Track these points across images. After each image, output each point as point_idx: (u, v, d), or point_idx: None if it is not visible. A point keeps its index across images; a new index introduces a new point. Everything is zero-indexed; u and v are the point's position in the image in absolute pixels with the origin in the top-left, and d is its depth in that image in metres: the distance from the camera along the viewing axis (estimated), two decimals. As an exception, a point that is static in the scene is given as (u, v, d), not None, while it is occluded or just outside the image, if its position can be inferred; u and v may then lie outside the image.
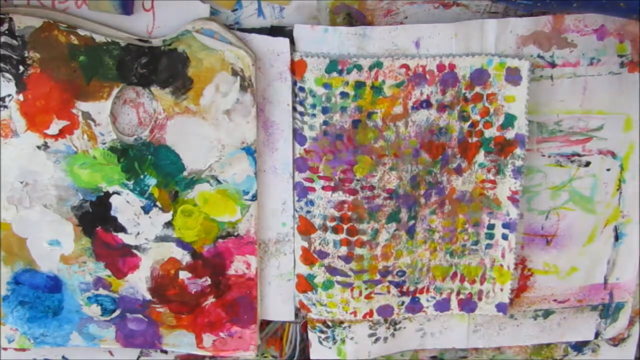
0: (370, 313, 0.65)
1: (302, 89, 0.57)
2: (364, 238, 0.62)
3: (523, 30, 0.57)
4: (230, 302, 0.63)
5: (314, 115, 0.58)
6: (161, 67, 0.56)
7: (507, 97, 0.58)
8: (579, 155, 0.62)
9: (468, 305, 0.65)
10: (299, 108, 0.58)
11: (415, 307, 0.65)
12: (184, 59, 0.56)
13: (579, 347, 0.71)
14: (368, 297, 0.64)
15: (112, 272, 0.62)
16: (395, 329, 0.67)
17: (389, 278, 0.64)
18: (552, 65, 0.58)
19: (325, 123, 0.58)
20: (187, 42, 0.56)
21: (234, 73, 0.56)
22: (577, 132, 0.61)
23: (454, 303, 0.65)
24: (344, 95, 0.57)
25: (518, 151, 0.59)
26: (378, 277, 0.63)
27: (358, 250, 0.62)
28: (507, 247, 0.63)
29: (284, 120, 0.59)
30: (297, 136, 0.59)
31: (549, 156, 0.62)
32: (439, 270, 0.64)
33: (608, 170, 0.62)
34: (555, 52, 0.58)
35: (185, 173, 0.59)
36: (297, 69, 0.57)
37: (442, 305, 0.65)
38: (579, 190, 0.63)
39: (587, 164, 0.62)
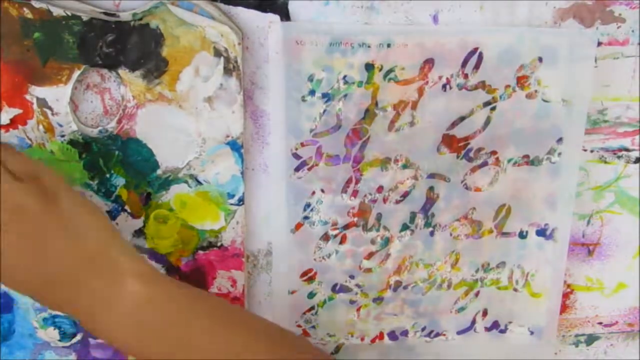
0: (381, 336, 0.65)
1: (298, 73, 0.57)
2: (373, 249, 0.62)
3: (561, 2, 0.57)
4: (213, 325, 0.63)
5: (312, 103, 0.58)
6: (130, 45, 0.56)
7: (541, 80, 0.58)
8: (627, 149, 0.62)
9: (496, 328, 0.65)
10: (295, 95, 0.58)
11: (433, 330, 0.66)
12: (158, 37, 0.56)
13: (629, 380, 0.71)
14: (377, 318, 0.65)
15: (72, 289, 0.61)
16: (409, 356, 0.67)
17: (403, 295, 0.64)
18: (596, 43, 0.58)
19: (325, 112, 0.58)
20: (161, 16, 0.55)
21: (217, 53, 0.56)
22: (624, 123, 0.61)
23: (479, 326, 0.66)
24: (348, 79, 0.57)
25: (555, 145, 0.60)
26: (390, 294, 0.64)
27: (365, 263, 0.63)
28: (542, 259, 0.62)
29: (277, 109, 0.59)
30: (292, 128, 0.59)
31: (592, 151, 0.62)
32: (461, 286, 0.64)
33: (662, 167, 0.63)
34: (600, 28, 0.58)
35: (159, 172, 0.59)
36: (292, 48, 0.57)
37: (466, 329, 0.66)
38: (626, 191, 0.63)
39: (637, 160, 0.62)
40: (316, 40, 0.57)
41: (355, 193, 0.60)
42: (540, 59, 0.58)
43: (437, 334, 0.66)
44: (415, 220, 0.62)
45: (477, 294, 0.64)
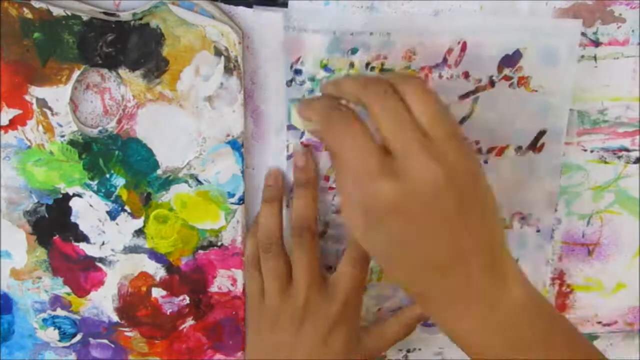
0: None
1: (298, 72, 0.57)
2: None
3: (561, 2, 0.57)
4: (213, 324, 0.63)
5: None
6: (131, 45, 0.56)
7: (542, 81, 0.58)
8: (627, 150, 0.62)
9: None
10: (295, 94, 0.58)
11: (433, 327, 0.66)
12: (158, 36, 0.56)
13: (628, 379, 0.71)
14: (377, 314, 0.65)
15: (72, 289, 0.62)
16: (408, 351, 0.68)
17: (401, 294, 0.64)
18: (596, 43, 0.58)
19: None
20: (161, 15, 0.55)
21: (217, 53, 0.56)
22: (624, 123, 0.61)
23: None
24: (347, 79, 0.57)
25: (555, 145, 0.60)
26: (390, 291, 0.64)
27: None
28: (542, 259, 0.63)
29: (277, 108, 0.59)
30: (293, 128, 0.59)
31: (592, 151, 0.62)
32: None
33: (661, 167, 0.63)
34: (600, 28, 0.58)
35: (159, 172, 0.59)
36: (292, 48, 0.57)
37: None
38: (626, 191, 0.63)
39: (637, 160, 0.62)
40: (317, 40, 0.56)
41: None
42: (541, 59, 0.58)
43: (437, 331, 0.66)
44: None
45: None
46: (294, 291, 0.58)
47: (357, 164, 0.47)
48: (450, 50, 0.57)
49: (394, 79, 0.48)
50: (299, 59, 0.57)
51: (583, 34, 0.58)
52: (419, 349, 0.67)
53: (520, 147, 0.60)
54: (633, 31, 0.58)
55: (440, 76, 0.58)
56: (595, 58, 0.59)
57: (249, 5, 0.56)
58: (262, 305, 0.59)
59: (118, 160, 0.58)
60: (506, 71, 0.58)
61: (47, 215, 0.60)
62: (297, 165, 0.59)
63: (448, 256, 0.47)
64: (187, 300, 0.62)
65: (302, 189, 0.59)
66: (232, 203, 0.60)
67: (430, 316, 0.51)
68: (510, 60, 0.58)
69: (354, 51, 0.57)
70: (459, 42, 0.57)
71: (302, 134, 0.59)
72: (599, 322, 0.67)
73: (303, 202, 0.59)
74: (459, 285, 0.48)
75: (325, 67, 0.57)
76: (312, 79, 0.57)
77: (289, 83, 0.58)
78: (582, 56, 0.58)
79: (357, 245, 0.58)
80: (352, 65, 0.57)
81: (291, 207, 0.60)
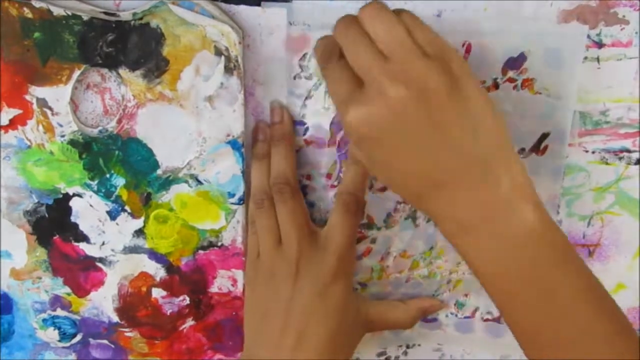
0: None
1: (303, 68, 0.57)
2: (374, 247, 0.62)
3: (566, 4, 0.57)
4: (213, 325, 0.63)
5: (317, 99, 0.58)
6: (131, 45, 0.56)
7: (546, 83, 0.58)
8: (628, 151, 0.62)
9: (495, 328, 0.66)
10: (298, 91, 0.58)
11: (432, 323, 0.66)
12: (158, 36, 0.56)
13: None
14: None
15: (72, 289, 0.62)
16: (408, 347, 0.68)
17: (402, 290, 0.64)
18: (599, 45, 0.58)
19: (330, 109, 0.58)
20: (161, 15, 0.55)
21: (218, 52, 0.56)
22: (626, 124, 0.61)
23: (478, 324, 0.66)
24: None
25: (558, 148, 0.60)
26: (389, 289, 0.64)
27: (366, 261, 0.63)
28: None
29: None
30: (295, 125, 0.59)
31: (593, 152, 0.62)
32: (461, 283, 0.64)
33: (663, 169, 0.63)
34: (603, 30, 0.58)
35: (159, 171, 0.59)
36: (296, 45, 0.57)
37: (465, 326, 0.66)
38: (627, 192, 0.63)
39: (638, 161, 0.62)
40: (321, 36, 0.56)
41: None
42: (545, 61, 0.58)
43: (436, 327, 0.66)
44: (417, 220, 0.62)
45: (478, 292, 0.65)
46: (286, 247, 0.57)
47: (334, 97, 0.50)
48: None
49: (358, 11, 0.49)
50: (305, 54, 0.57)
51: (587, 36, 0.58)
52: (419, 345, 0.68)
53: (523, 149, 0.60)
54: (636, 33, 0.58)
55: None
56: (598, 59, 0.59)
57: (257, 4, 0.56)
58: (258, 262, 0.59)
59: (118, 160, 0.58)
60: (510, 73, 0.58)
61: (47, 215, 0.60)
62: (273, 120, 0.59)
63: (434, 175, 0.48)
64: (187, 300, 0.62)
65: (278, 144, 0.59)
66: (232, 203, 0.60)
67: (440, 230, 0.51)
68: (515, 62, 0.57)
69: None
70: (463, 44, 0.57)
71: (306, 130, 0.59)
72: (599, 323, 0.67)
73: (279, 158, 0.58)
74: (456, 201, 0.48)
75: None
76: (318, 75, 0.57)
77: (295, 78, 0.58)
78: (585, 57, 0.58)
79: (348, 191, 0.58)
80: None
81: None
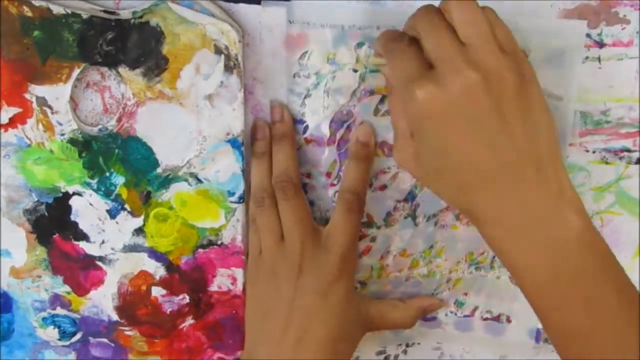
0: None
1: (302, 67, 0.57)
2: (374, 246, 0.62)
3: (566, 3, 0.57)
4: (213, 324, 0.63)
5: (317, 97, 0.58)
6: (130, 43, 0.56)
7: (547, 83, 0.57)
8: (628, 150, 0.62)
9: (494, 327, 0.66)
10: (298, 89, 0.58)
11: (432, 321, 0.66)
12: (158, 35, 0.56)
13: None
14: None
15: (72, 288, 0.62)
16: (407, 346, 0.68)
17: (402, 289, 0.64)
18: (600, 44, 0.58)
19: (329, 107, 0.58)
20: (161, 14, 0.55)
21: (217, 51, 0.56)
22: (627, 124, 0.61)
23: (477, 322, 0.66)
24: (353, 73, 0.57)
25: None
26: (389, 288, 0.64)
27: (366, 260, 0.63)
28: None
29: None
30: (295, 123, 0.59)
31: (594, 151, 0.62)
32: (461, 282, 0.64)
33: (663, 168, 0.63)
34: (604, 30, 0.58)
35: (159, 170, 0.59)
36: (296, 43, 0.57)
37: (464, 325, 0.66)
38: (627, 192, 0.63)
39: (638, 161, 0.62)
40: (322, 34, 0.56)
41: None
42: (546, 61, 0.57)
43: (435, 326, 0.66)
44: (417, 219, 0.62)
45: (477, 291, 0.65)
46: (288, 245, 0.57)
47: (400, 76, 0.50)
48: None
49: (442, 3, 0.50)
50: (304, 53, 0.57)
51: (587, 35, 0.58)
52: (418, 344, 0.68)
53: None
54: (637, 32, 0.58)
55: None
56: (599, 59, 0.59)
57: (257, 2, 0.56)
58: (260, 260, 0.59)
59: (118, 159, 0.58)
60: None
61: (47, 214, 0.60)
62: (274, 119, 0.59)
63: (489, 165, 0.48)
64: (187, 299, 0.62)
65: (280, 143, 0.59)
66: (232, 202, 0.60)
67: (481, 233, 0.51)
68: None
69: (359, 45, 0.57)
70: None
71: (305, 128, 0.59)
72: (598, 322, 0.67)
73: (282, 156, 0.58)
74: (505, 199, 0.48)
75: (330, 61, 0.57)
76: (317, 73, 0.57)
77: (295, 77, 0.58)
78: (586, 57, 0.58)
79: (350, 189, 0.58)
80: (357, 59, 0.57)
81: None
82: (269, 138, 0.59)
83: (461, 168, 0.49)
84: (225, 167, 0.59)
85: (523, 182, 0.48)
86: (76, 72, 0.56)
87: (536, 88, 0.50)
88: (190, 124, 0.58)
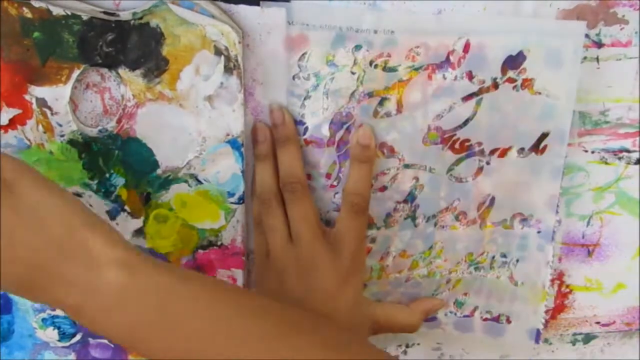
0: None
1: (302, 68, 0.57)
2: (374, 247, 0.62)
3: (565, 3, 0.57)
4: (213, 324, 0.63)
5: (316, 99, 0.58)
6: (130, 45, 0.56)
7: (546, 83, 0.58)
8: (627, 151, 0.62)
9: (494, 328, 0.66)
10: (297, 91, 0.58)
11: (431, 322, 0.66)
12: (158, 36, 0.56)
13: (625, 378, 0.71)
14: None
15: (71, 289, 0.61)
16: (407, 346, 0.68)
17: (401, 290, 0.64)
18: (599, 44, 0.58)
19: (328, 109, 0.58)
20: (161, 15, 0.55)
21: (217, 52, 0.56)
22: (626, 124, 0.61)
23: (477, 323, 0.66)
24: (352, 75, 0.58)
25: (558, 147, 0.60)
26: (389, 288, 0.64)
27: (366, 261, 0.62)
28: (542, 260, 0.63)
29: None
30: (296, 124, 0.59)
31: (593, 152, 0.62)
32: (461, 282, 0.65)
33: (662, 168, 0.63)
34: (603, 30, 0.58)
35: (159, 171, 0.59)
36: (296, 44, 0.57)
37: (464, 325, 0.66)
38: (626, 192, 0.63)
39: (637, 161, 0.62)
40: (321, 36, 0.56)
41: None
42: (545, 61, 0.58)
43: (435, 326, 0.66)
44: (417, 220, 0.62)
45: (477, 291, 0.65)
46: (297, 246, 0.58)
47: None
48: (453, 51, 0.57)
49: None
50: (303, 54, 0.57)
51: (586, 36, 0.58)
52: (418, 344, 0.68)
53: (522, 149, 0.60)
54: (636, 33, 0.58)
55: (444, 77, 0.58)
56: (597, 59, 0.59)
57: (256, 3, 0.56)
58: (268, 261, 0.59)
59: (118, 160, 0.58)
60: (510, 73, 0.58)
61: (46, 215, 0.59)
62: (274, 122, 0.59)
63: (24, 267, 0.46)
64: (187, 300, 0.62)
65: (285, 145, 0.59)
66: (232, 202, 0.60)
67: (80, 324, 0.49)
68: (514, 61, 0.57)
69: (357, 48, 0.57)
70: (462, 42, 0.57)
71: (306, 129, 0.59)
72: (597, 323, 0.67)
73: (288, 158, 0.59)
74: (52, 285, 0.46)
75: (329, 63, 0.57)
76: (317, 75, 0.57)
77: (294, 78, 0.58)
78: (585, 57, 0.58)
79: (355, 191, 0.59)
80: (355, 62, 0.57)
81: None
82: (270, 140, 0.59)
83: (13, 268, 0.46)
84: (225, 168, 0.59)
85: (53, 270, 0.46)
86: (76, 73, 0.56)
87: (28, 183, 0.47)
88: (190, 125, 0.58)
